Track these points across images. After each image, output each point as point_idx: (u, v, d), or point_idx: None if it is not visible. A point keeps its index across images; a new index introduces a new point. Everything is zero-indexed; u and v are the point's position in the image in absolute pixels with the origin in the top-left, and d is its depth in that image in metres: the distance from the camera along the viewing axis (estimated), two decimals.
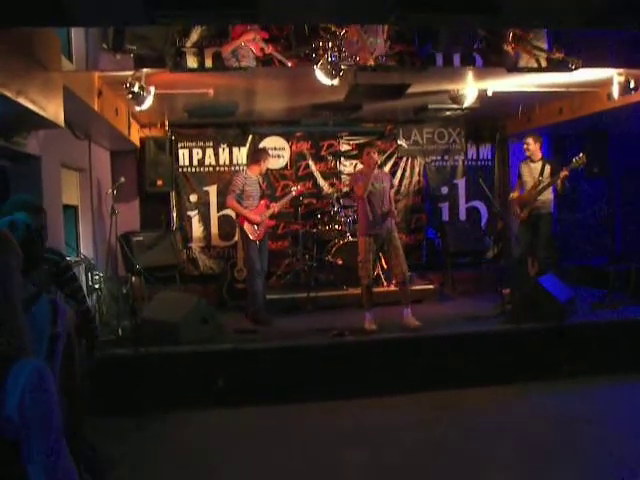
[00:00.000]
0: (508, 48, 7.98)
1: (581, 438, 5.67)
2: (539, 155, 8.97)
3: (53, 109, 5.54)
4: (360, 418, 6.36)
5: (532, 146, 8.94)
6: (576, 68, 7.45)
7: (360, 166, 10.86)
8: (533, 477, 4.97)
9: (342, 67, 7.04)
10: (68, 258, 5.84)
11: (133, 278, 8.55)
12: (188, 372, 6.77)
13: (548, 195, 8.85)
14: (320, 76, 7.09)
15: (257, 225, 8.46)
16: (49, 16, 4.49)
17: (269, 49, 8.69)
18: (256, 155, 9.06)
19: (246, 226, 8.43)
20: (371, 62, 8.21)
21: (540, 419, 6.18)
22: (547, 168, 8.83)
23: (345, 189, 10.92)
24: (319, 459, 5.44)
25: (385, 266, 8.60)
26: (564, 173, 8.47)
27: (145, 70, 7.08)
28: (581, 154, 8.44)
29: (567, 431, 5.86)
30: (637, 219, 12.07)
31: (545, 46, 7.97)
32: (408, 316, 7.72)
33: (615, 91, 7.93)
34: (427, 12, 4.79)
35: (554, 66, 7.65)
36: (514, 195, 9.11)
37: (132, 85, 6.93)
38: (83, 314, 4.97)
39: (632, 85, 7.74)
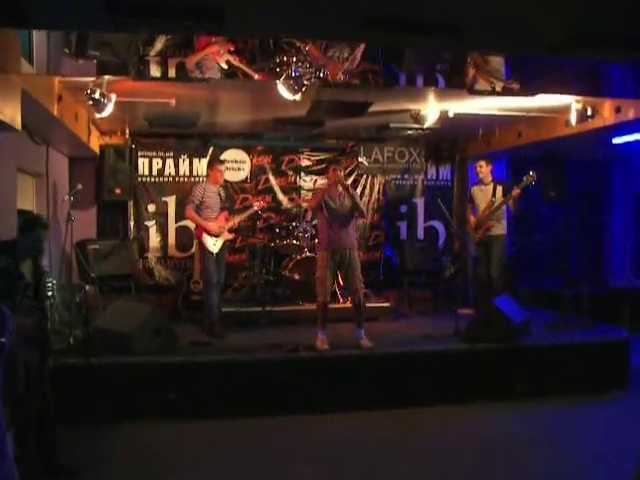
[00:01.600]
0: (468, 71, 8.09)
1: (531, 458, 5.73)
2: (490, 178, 9.24)
3: (10, 112, 5.45)
4: (310, 434, 6.37)
5: (484, 169, 9.20)
6: (527, 93, 7.62)
7: (320, 182, 10.91)
8: None
9: (305, 82, 7.06)
10: None
11: (87, 286, 8.41)
12: (140, 383, 6.69)
13: (500, 217, 9.03)
14: (282, 91, 7.11)
15: (215, 237, 8.39)
16: (9, 17, 4.42)
17: (236, 60, 8.66)
18: (209, 165, 9.05)
19: (204, 238, 8.36)
20: (341, 76, 8.23)
21: (490, 439, 6.24)
22: (499, 189, 9.06)
23: (305, 205, 10.91)
24: (267, 475, 5.43)
25: (342, 282, 8.59)
26: (516, 191, 8.71)
27: (107, 77, 7.02)
28: (531, 172, 8.67)
29: (517, 451, 5.92)
30: (592, 243, 12.29)
31: (503, 71, 8.09)
32: (362, 338, 7.68)
33: (573, 118, 8.09)
34: (391, 32, 4.83)
35: (508, 90, 7.79)
36: (469, 219, 9.27)
37: (93, 92, 6.88)
38: (38, 322, 4.88)
39: (589, 112, 7.91)
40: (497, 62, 8.03)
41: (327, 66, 8.48)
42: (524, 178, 8.70)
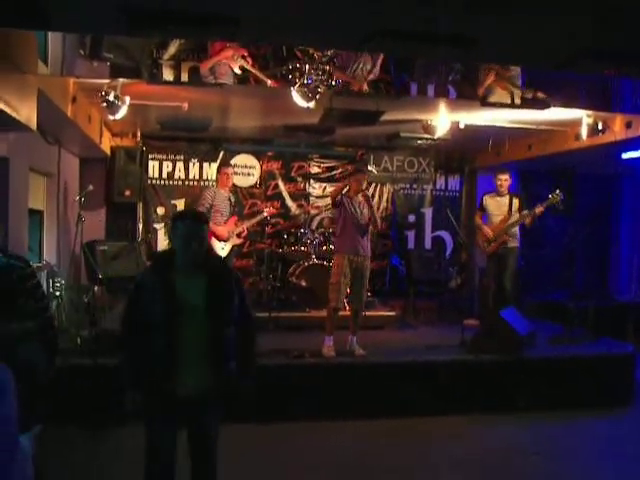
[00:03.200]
0: (483, 82, 8.09)
1: (532, 471, 5.74)
2: (506, 190, 9.11)
3: (26, 112, 5.51)
4: (313, 442, 6.38)
5: (507, 182, 9.07)
6: (542, 106, 7.61)
7: (329, 189, 10.91)
8: None
9: (319, 91, 7.10)
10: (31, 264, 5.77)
11: (96, 287, 8.45)
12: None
13: (515, 229, 8.98)
14: (297, 98, 7.15)
15: (224, 241, 8.43)
16: (29, 19, 4.47)
17: (249, 64, 8.69)
18: (218, 168, 9.07)
19: (212, 242, 8.40)
20: (366, 88, 8.25)
21: (493, 450, 6.24)
22: (515, 202, 8.96)
23: (313, 211, 10.95)
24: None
25: (348, 290, 8.59)
26: (540, 209, 8.60)
27: (121, 80, 7.06)
28: (557, 191, 8.55)
29: (518, 463, 5.92)
30: (599, 257, 12.28)
31: (519, 84, 8.10)
32: (353, 344, 7.71)
33: (584, 132, 8.10)
34: (404, 42, 4.85)
35: (526, 103, 7.79)
36: (483, 229, 9.19)
37: (107, 94, 6.93)
38: (45, 322, 4.89)
39: (600, 127, 7.92)
40: (515, 71, 8.03)
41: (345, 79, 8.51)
42: (550, 196, 8.58)
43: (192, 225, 3.76)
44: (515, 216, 8.95)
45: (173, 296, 3.71)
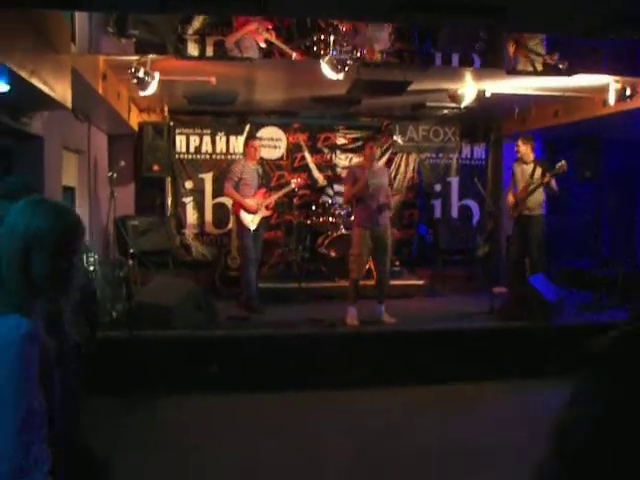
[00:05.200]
0: (508, 50, 8.08)
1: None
2: (531, 157, 9.07)
3: (61, 90, 5.62)
4: (343, 408, 6.48)
5: (522, 148, 9.06)
6: (568, 72, 7.59)
7: (355, 160, 10.97)
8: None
9: (348, 62, 7.13)
10: None
11: (130, 261, 8.60)
12: (180, 356, 6.87)
13: (539, 197, 8.95)
14: (326, 70, 7.18)
15: (253, 214, 8.52)
16: (63, 1, 4.57)
17: (272, 36, 8.72)
18: (245, 141, 9.14)
19: (242, 214, 8.49)
20: (377, 56, 8.28)
21: (528, 416, 6.33)
22: (538, 170, 8.95)
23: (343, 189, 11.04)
24: (307, 447, 5.59)
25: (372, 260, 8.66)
26: (546, 179, 8.62)
27: (150, 56, 7.13)
28: (563, 161, 8.55)
29: (543, 427, 5.99)
30: (625, 224, 12.23)
31: (543, 51, 8.07)
32: (382, 313, 7.86)
33: (611, 98, 8.06)
34: (433, 13, 4.89)
35: (549, 70, 7.78)
36: (509, 196, 9.22)
37: (137, 70, 6.99)
38: (87, 296, 5.04)
39: (628, 93, 7.88)
40: (537, 39, 8.00)
41: (362, 45, 8.52)
42: (556, 166, 8.63)
43: None
44: (534, 184, 8.97)
45: None
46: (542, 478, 1.49)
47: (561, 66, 7.62)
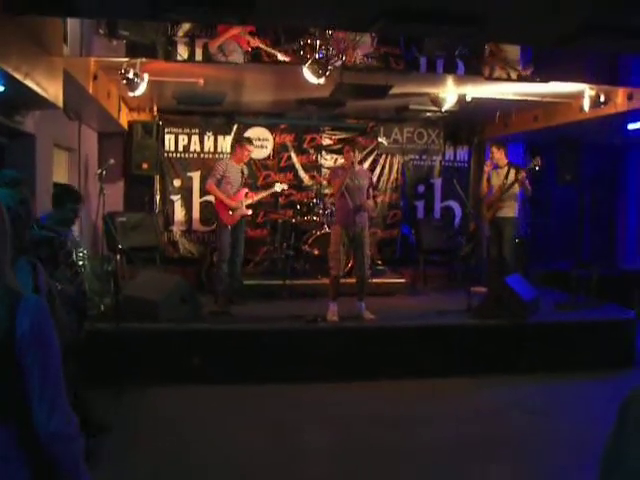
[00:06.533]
0: (486, 58, 8.37)
1: (537, 428, 6.07)
2: (505, 161, 9.63)
3: (54, 91, 5.83)
4: (324, 401, 6.73)
5: (496, 154, 9.61)
6: (543, 80, 7.90)
7: (340, 160, 11.19)
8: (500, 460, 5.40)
9: (329, 67, 7.36)
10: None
11: (118, 257, 8.79)
12: (166, 349, 7.09)
13: (511, 200, 9.37)
14: (308, 75, 7.40)
15: (232, 211, 8.62)
16: (55, 7, 4.79)
17: (255, 42, 8.89)
18: (239, 142, 9.30)
19: (221, 211, 8.65)
20: (357, 59, 8.50)
21: (499, 410, 6.58)
22: (511, 172, 9.40)
23: (324, 183, 11.24)
24: (285, 437, 5.85)
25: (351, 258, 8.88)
26: (522, 174, 9.08)
27: (140, 59, 7.33)
28: (537, 157, 9.04)
29: (524, 422, 6.26)
30: (603, 226, 12.51)
31: (519, 59, 8.36)
32: (362, 310, 8.11)
33: (586, 104, 8.33)
34: (412, 23, 5.10)
35: (524, 78, 8.08)
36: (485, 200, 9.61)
37: (127, 71, 7.20)
38: (77, 288, 5.25)
39: (602, 99, 8.15)
40: (512, 51, 8.28)
41: (346, 50, 8.74)
42: (531, 162, 9.15)
43: None
44: (508, 183, 9.35)
45: None
46: None
47: (531, 75, 7.94)
